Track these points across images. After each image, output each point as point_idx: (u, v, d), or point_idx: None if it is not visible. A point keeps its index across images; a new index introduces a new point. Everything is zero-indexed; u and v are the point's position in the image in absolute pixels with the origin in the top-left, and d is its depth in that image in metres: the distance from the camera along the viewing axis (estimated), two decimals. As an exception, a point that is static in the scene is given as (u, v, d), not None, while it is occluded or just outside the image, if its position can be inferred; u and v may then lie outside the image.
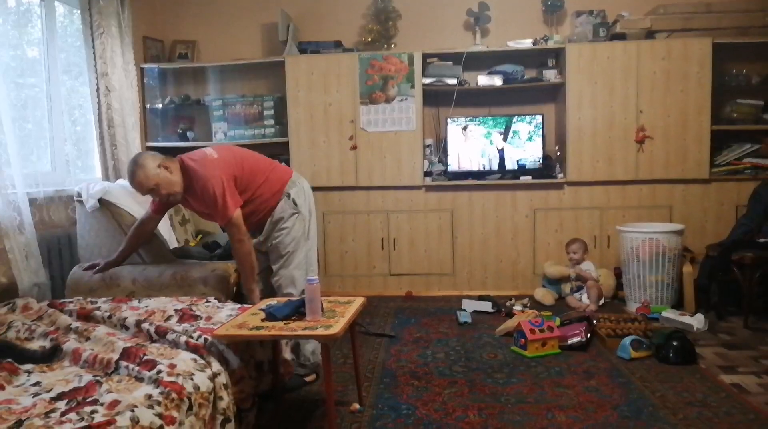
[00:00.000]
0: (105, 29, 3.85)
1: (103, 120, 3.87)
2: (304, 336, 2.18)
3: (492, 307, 4.10)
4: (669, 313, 3.78)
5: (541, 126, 4.53)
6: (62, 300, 2.68)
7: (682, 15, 4.39)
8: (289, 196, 2.88)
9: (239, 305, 2.62)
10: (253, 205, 2.84)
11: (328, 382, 2.20)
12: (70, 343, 2.14)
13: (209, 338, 2.13)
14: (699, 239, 4.35)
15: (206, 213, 2.86)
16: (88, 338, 2.20)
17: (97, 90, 3.84)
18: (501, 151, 4.57)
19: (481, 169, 4.60)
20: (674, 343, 3.09)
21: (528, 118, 4.55)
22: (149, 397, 1.70)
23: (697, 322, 3.64)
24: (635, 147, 4.41)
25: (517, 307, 4.01)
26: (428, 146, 4.72)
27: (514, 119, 4.55)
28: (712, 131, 4.35)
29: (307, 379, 2.90)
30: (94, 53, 3.82)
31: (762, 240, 3.83)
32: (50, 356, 2.11)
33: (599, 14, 4.55)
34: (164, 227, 3.46)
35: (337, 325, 2.15)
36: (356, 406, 2.60)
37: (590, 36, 4.50)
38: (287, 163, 4.70)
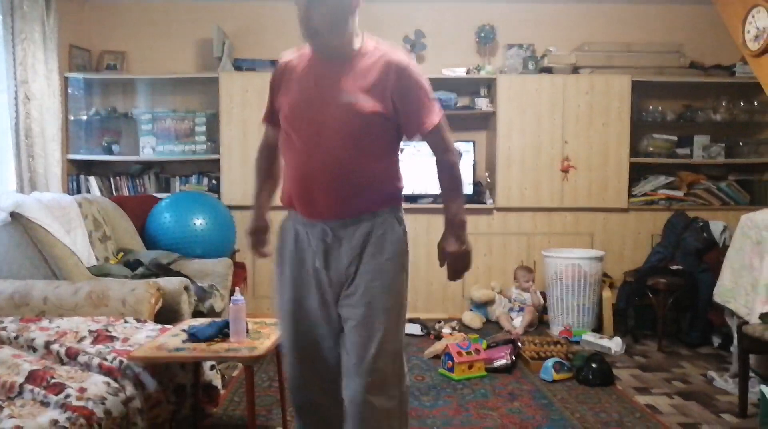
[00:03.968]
0: (27, 35, 3.68)
1: (21, 129, 3.67)
2: (227, 358, 2.12)
3: (421, 330, 4.12)
4: (589, 337, 3.92)
5: (472, 152, 4.65)
6: (-36, 319, 2.49)
7: (604, 53, 4.65)
8: (402, 219, 1.97)
9: (160, 326, 2.52)
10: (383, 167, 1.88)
11: (250, 405, 2.14)
12: (-30, 366, 1.99)
13: (124, 360, 2.04)
14: (617, 265, 4.54)
15: (356, 108, 1.76)
16: (-10, 360, 2.05)
17: (16, 98, 3.65)
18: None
19: (414, 193, 4.65)
20: (593, 366, 3.21)
21: (460, 144, 4.66)
22: (55, 423, 1.60)
23: (615, 345, 3.79)
24: (560, 176, 4.59)
25: (446, 330, 4.04)
26: (362, 168, 4.73)
27: (447, 145, 4.64)
28: (631, 163, 4.60)
29: None
30: (14, 60, 3.62)
31: (674, 267, 4.06)
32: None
33: (529, 48, 4.75)
34: (82, 244, 3.30)
35: (262, 347, 2.11)
36: (280, 430, 2.54)
37: (520, 68, 4.68)
38: (218, 181, 4.61)
